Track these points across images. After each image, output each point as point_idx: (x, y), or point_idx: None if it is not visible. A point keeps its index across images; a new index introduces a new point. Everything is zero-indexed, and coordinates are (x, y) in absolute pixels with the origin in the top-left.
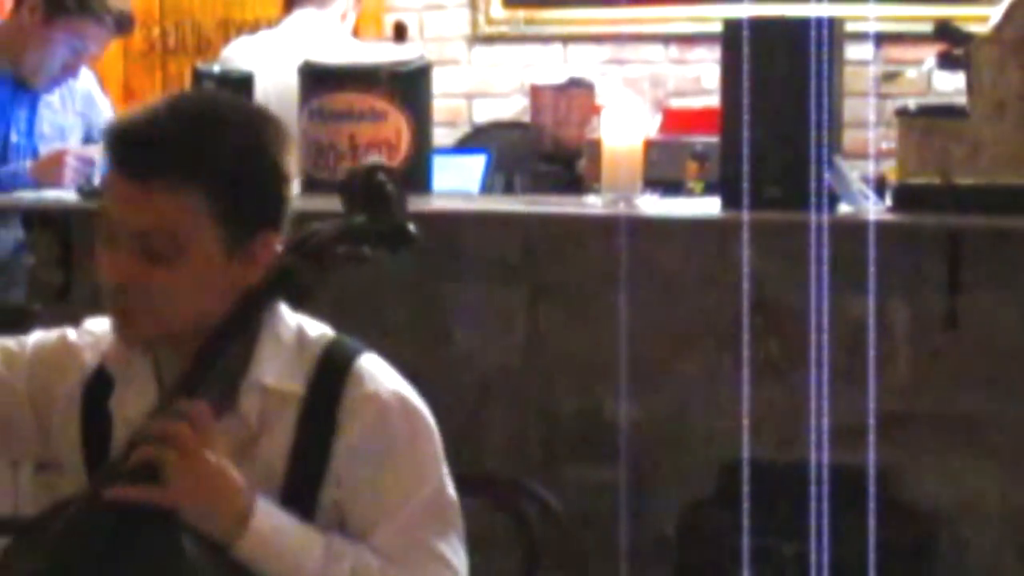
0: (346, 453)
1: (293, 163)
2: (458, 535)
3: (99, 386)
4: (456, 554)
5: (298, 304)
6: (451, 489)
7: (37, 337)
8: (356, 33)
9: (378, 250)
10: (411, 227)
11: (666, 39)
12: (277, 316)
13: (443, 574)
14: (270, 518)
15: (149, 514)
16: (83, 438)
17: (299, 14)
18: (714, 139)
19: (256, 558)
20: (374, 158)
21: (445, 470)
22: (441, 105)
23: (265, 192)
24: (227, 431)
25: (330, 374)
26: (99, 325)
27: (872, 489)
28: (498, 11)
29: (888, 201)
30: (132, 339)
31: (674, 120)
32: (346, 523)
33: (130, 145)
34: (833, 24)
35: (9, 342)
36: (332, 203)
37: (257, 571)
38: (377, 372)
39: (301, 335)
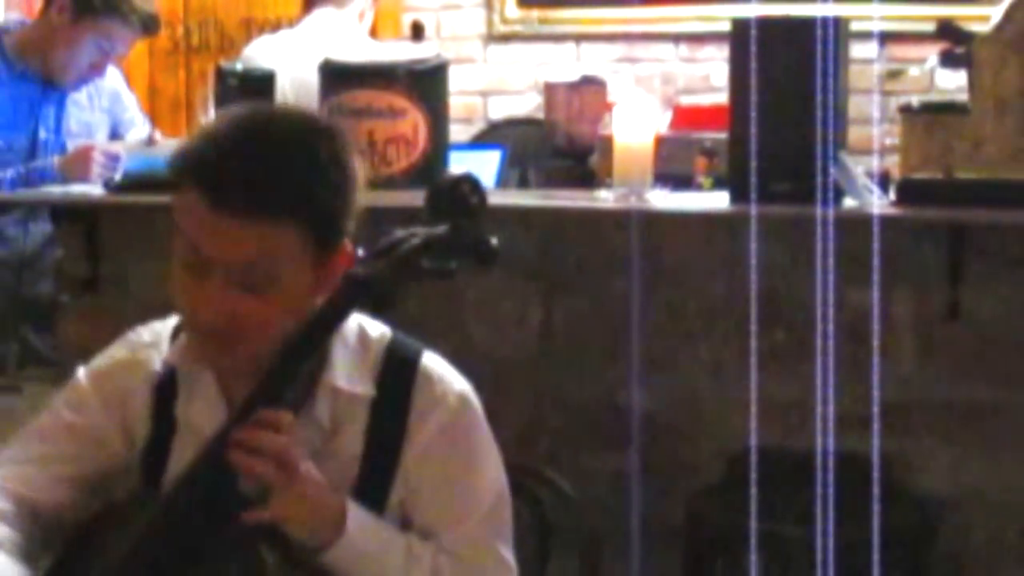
0: (416, 455)
1: (361, 167)
2: (511, 536)
3: (166, 388)
4: (512, 556)
5: (378, 312)
6: (508, 490)
7: (87, 373)
8: (375, 32)
9: (464, 264)
10: (495, 242)
11: (676, 38)
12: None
13: (504, 572)
14: (361, 523)
15: (228, 526)
16: (145, 444)
17: (318, 13)
18: (723, 135)
19: (346, 562)
20: (458, 170)
21: (504, 471)
22: (457, 102)
23: (351, 208)
24: (303, 433)
25: (398, 376)
26: (150, 333)
27: (876, 476)
28: (513, 11)
29: (892, 195)
30: (223, 367)
31: (684, 117)
32: (412, 522)
33: (228, 181)
34: (838, 23)
35: (68, 391)
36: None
37: (345, 572)
38: (444, 373)
39: (363, 335)
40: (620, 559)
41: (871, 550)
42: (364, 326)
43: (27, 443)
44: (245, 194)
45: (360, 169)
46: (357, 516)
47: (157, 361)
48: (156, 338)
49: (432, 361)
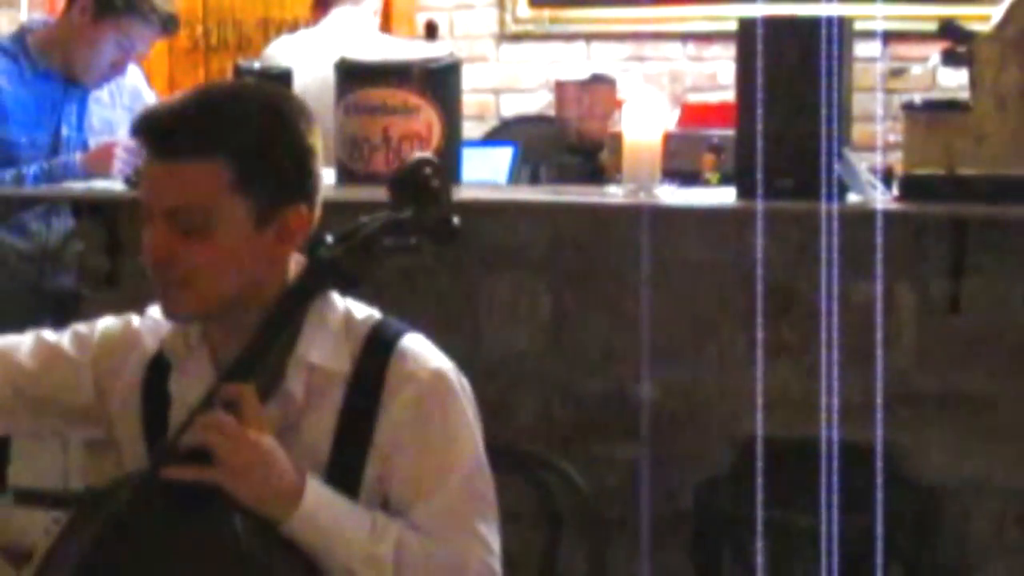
0: (389, 430)
1: (319, 141)
2: (493, 514)
3: (159, 369)
4: (491, 533)
5: (346, 292)
6: (487, 468)
7: (105, 323)
8: (390, 31)
9: (424, 242)
10: (456, 220)
11: (684, 37)
12: (324, 299)
13: (480, 553)
14: (319, 497)
15: (202, 495)
16: (143, 419)
17: (336, 13)
18: (730, 132)
19: (305, 536)
20: (421, 153)
21: (482, 448)
22: (470, 100)
23: (287, 164)
24: (275, 408)
25: (375, 354)
26: (160, 312)
27: (879, 465)
28: (524, 10)
29: (895, 191)
30: (178, 317)
31: (691, 114)
32: (388, 498)
33: (157, 128)
34: (842, 23)
35: (80, 327)
36: (367, 193)
37: (306, 548)
38: (420, 351)
39: (348, 317)
40: (629, 546)
41: (874, 536)
42: (351, 310)
43: (21, 339)
44: (169, 137)
45: (319, 144)
46: (317, 492)
47: (151, 340)
48: (163, 319)
49: (411, 341)
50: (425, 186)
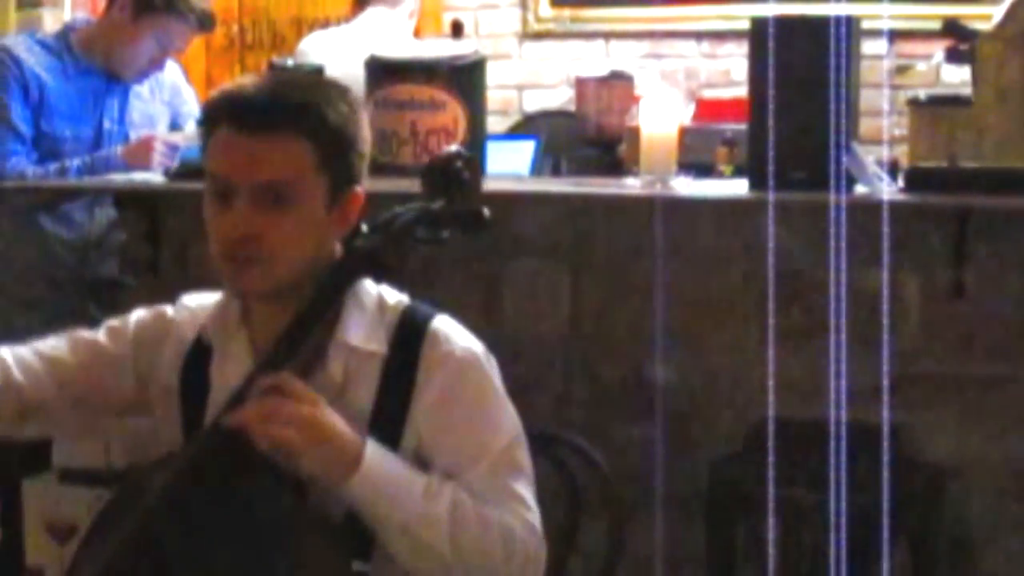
0: (425, 408)
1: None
2: (531, 478)
3: (197, 356)
4: (531, 495)
5: (380, 280)
6: (523, 436)
7: (138, 315)
8: (417, 31)
9: (455, 233)
10: (485, 212)
11: (698, 35)
12: (360, 286)
13: (524, 513)
14: (378, 459)
15: (245, 472)
16: (182, 404)
17: (371, 12)
18: (742, 126)
19: (365, 496)
20: (453, 146)
21: (517, 418)
22: (495, 95)
23: (356, 147)
24: (315, 389)
25: (409, 335)
26: (195, 300)
27: (885, 444)
28: (546, 10)
29: (900, 183)
30: (251, 293)
31: (706, 109)
32: (428, 470)
33: (248, 104)
34: (850, 22)
35: (113, 322)
36: (394, 185)
37: (364, 509)
38: (451, 332)
39: (381, 302)
40: (647, 522)
41: (880, 514)
42: (383, 294)
43: (56, 345)
44: (264, 115)
45: (368, 128)
46: (375, 454)
47: (189, 329)
48: (199, 306)
49: (442, 323)
50: (457, 178)
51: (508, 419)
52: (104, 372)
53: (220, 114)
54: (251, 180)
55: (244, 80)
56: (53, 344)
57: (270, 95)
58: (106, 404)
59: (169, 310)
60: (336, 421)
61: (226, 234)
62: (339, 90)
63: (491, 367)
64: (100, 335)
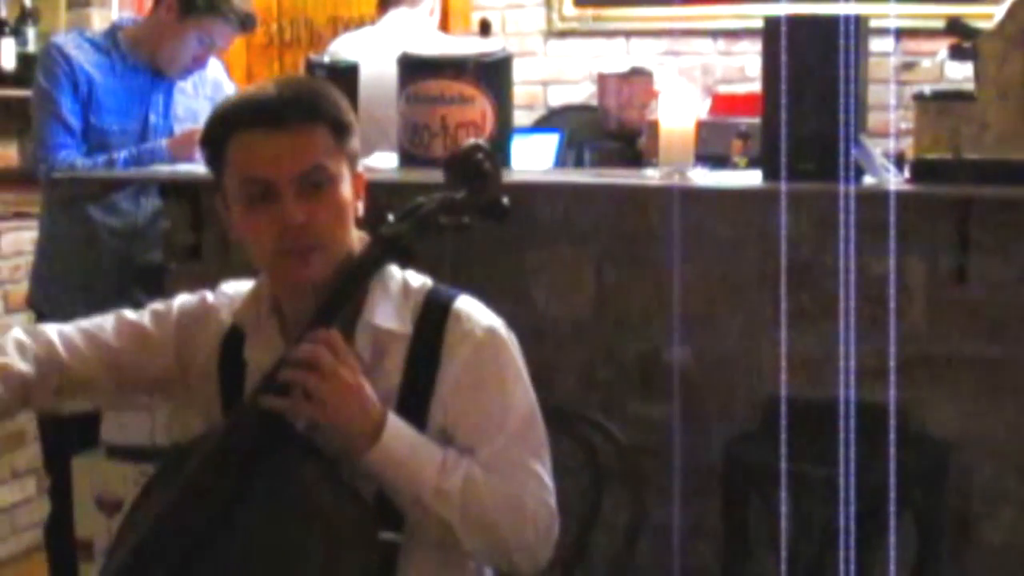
0: (449, 385)
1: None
2: (547, 455)
3: (234, 340)
4: (546, 472)
5: (405, 265)
6: (539, 414)
7: (181, 300)
8: (447, 28)
9: (476, 220)
10: (505, 201)
11: (714, 34)
12: (385, 270)
13: (537, 490)
14: (398, 431)
15: (275, 448)
16: (220, 385)
17: (394, 13)
18: (756, 120)
19: (383, 467)
20: (474, 139)
21: (534, 396)
22: (520, 91)
23: (357, 133)
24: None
25: (433, 316)
26: (232, 287)
27: (892, 422)
28: (570, 10)
29: (906, 173)
30: (314, 279)
31: (721, 104)
32: (452, 445)
33: (269, 107)
34: (859, 21)
35: (158, 305)
36: (426, 175)
37: (381, 480)
38: (473, 311)
39: (406, 285)
40: (665, 496)
41: (887, 488)
42: (407, 278)
43: (101, 325)
44: (291, 110)
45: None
46: (395, 426)
47: (226, 313)
48: (234, 294)
49: (464, 303)
50: (478, 169)
51: (525, 397)
52: (147, 354)
53: (244, 120)
54: (294, 172)
55: (257, 87)
56: (99, 324)
57: (289, 93)
58: (147, 384)
59: (210, 296)
60: (367, 389)
61: (281, 229)
62: (334, 86)
63: (512, 344)
64: (145, 318)
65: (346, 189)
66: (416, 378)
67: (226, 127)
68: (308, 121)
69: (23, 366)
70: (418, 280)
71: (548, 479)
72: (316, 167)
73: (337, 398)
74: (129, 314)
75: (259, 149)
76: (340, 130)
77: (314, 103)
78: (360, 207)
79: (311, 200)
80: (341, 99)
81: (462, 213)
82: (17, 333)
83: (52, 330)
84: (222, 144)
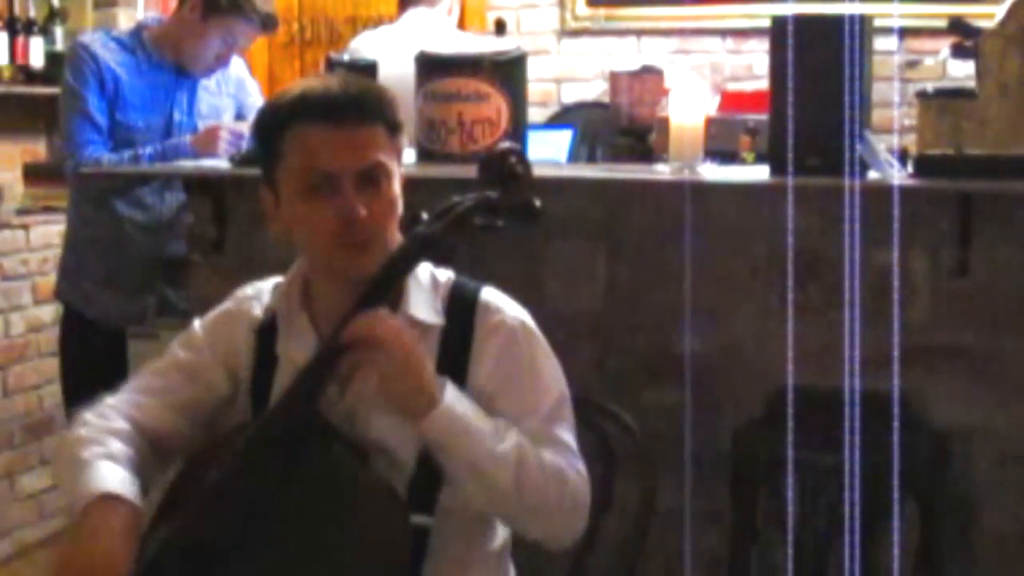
0: (483, 372)
1: None
2: (575, 432)
3: (265, 333)
4: (577, 446)
5: (440, 264)
6: (568, 392)
7: (198, 321)
8: (463, 28)
9: (509, 222)
10: (537, 202)
11: (723, 33)
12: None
13: (574, 460)
14: (454, 398)
15: (318, 435)
16: (253, 378)
17: (413, 12)
18: (764, 117)
19: (440, 432)
20: (507, 143)
21: (564, 380)
22: (535, 88)
23: (404, 133)
24: None
25: (462, 307)
26: (251, 287)
27: (896, 411)
28: (583, 9)
29: (909, 168)
30: (366, 272)
31: (730, 101)
32: None
33: (344, 103)
34: (863, 20)
35: (179, 337)
36: (443, 171)
37: (438, 445)
38: (500, 302)
39: (434, 278)
40: (675, 482)
41: (891, 475)
42: (434, 272)
43: (145, 377)
44: (356, 109)
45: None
46: (452, 393)
47: (258, 309)
48: (257, 292)
49: (490, 295)
50: (511, 172)
51: (557, 377)
52: (199, 380)
53: (310, 114)
54: (356, 167)
55: (317, 82)
56: (144, 380)
57: (353, 91)
58: (217, 405)
59: (228, 304)
60: (425, 356)
61: (344, 222)
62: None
63: (537, 331)
64: (177, 353)
65: (397, 186)
66: (449, 367)
67: (286, 118)
68: (369, 120)
69: (124, 426)
70: (443, 273)
71: (577, 450)
72: (375, 163)
73: (399, 360)
74: (158, 362)
75: (322, 143)
76: (394, 129)
77: (375, 103)
78: (401, 204)
79: (369, 195)
80: (395, 100)
81: (496, 214)
82: (88, 416)
83: (110, 401)
84: (280, 134)
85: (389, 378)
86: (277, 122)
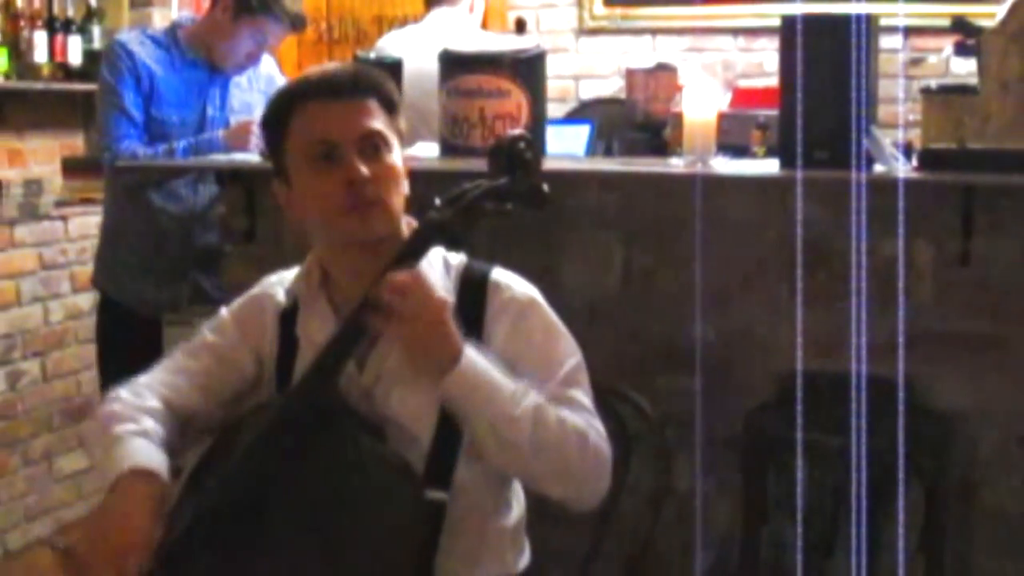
0: (496, 346)
1: None
2: (592, 396)
3: (288, 316)
4: (594, 407)
5: (451, 248)
6: (584, 364)
7: (226, 307)
8: (485, 26)
9: (518, 207)
10: (546, 188)
11: (735, 31)
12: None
13: (593, 421)
14: (475, 359)
15: (337, 414)
16: (276, 359)
17: (436, 12)
18: (774, 112)
19: (461, 391)
20: (516, 130)
21: (578, 349)
22: (553, 85)
23: (402, 116)
24: None
25: (473, 287)
26: (276, 275)
27: (901, 395)
28: (600, 9)
29: (914, 162)
30: (377, 233)
31: (741, 97)
32: None
33: (339, 80)
34: (869, 19)
35: (209, 323)
36: (465, 163)
37: (459, 403)
38: (509, 280)
39: (446, 261)
40: (689, 464)
41: (896, 457)
42: (446, 256)
43: (176, 358)
44: (351, 85)
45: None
46: (473, 354)
47: (282, 294)
48: (281, 279)
49: (500, 274)
50: (520, 158)
51: (570, 345)
52: (227, 362)
53: (310, 91)
54: (356, 133)
55: (312, 69)
56: (173, 360)
57: (346, 70)
58: (244, 388)
59: (255, 290)
60: (449, 315)
61: (347, 185)
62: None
63: (547, 306)
64: (207, 336)
65: (398, 158)
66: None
67: (290, 100)
68: (364, 93)
69: (156, 404)
70: (455, 257)
71: (594, 409)
72: (374, 131)
73: (425, 320)
74: (189, 343)
75: (324, 115)
76: (389, 106)
77: (368, 79)
78: (406, 186)
79: (371, 161)
80: (388, 81)
81: (505, 199)
82: (123, 393)
83: (143, 380)
84: (286, 117)
85: (416, 333)
86: (280, 109)
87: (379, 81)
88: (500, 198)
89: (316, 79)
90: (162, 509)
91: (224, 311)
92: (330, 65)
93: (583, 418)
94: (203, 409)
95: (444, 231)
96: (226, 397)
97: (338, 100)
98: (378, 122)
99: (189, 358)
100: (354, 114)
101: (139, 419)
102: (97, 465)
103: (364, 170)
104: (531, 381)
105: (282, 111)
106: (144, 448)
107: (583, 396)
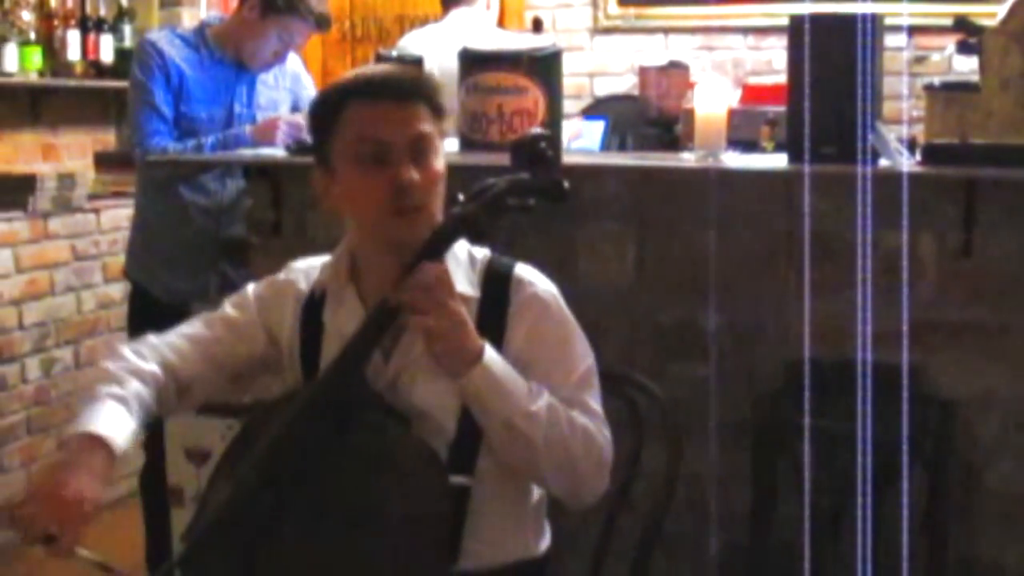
0: (517, 343)
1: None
2: (601, 399)
3: (313, 306)
4: (602, 412)
5: (475, 242)
6: (595, 362)
7: (253, 285)
8: (502, 26)
9: (540, 202)
10: (565, 184)
11: (745, 30)
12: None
13: (600, 424)
14: (493, 358)
15: (363, 402)
16: (301, 348)
17: (456, 12)
18: (782, 109)
19: (479, 389)
20: (536, 128)
21: (590, 348)
22: (569, 82)
23: (446, 120)
24: None
25: (497, 282)
26: (302, 262)
27: (905, 382)
28: (614, 8)
29: (918, 157)
30: (416, 238)
31: (751, 94)
32: None
33: (391, 82)
34: (875, 18)
35: (233, 297)
36: (484, 158)
37: (477, 401)
38: (533, 277)
39: (471, 255)
40: (700, 449)
41: (901, 442)
42: (471, 250)
43: (193, 324)
44: (402, 87)
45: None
46: (491, 354)
47: (304, 283)
48: (308, 266)
49: (523, 270)
50: (541, 154)
51: (585, 348)
52: (239, 338)
53: (366, 90)
54: (407, 137)
55: (369, 68)
56: (188, 326)
57: (400, 75)
58: (250, 366)
59: (280, 275)
60: (467, 317)
61: (396, 188)
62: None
63: (565, 306)
64: (227, 309)
65: (442, 163)
66: (485, 337)
67: (343, 97)
68: (416, 97)
69: (153, 368)
70: (480, 251)
71: (603, 414)
72: (423, 134)
73: (447, 318)
74: (212, 313)
75: (376, 115)
76: (438, 111)
77: (421, 84)
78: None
79: (419, 163)
80: (438, 86)
81: (527, 195)
82: (126, 351)
83: (152, 340)
84: (337, 111)
85: (438, 334)
86: (334, 101)
87: (431, 86)
88: (522, 193)
89: (370, 80)
90: (106, 475)
91: (249, 288)
92: (382, 68)
93: (591, 421)
94: (205, 377)
95: (469, 225)
96: (230, 369)
97: (391, 102)
98: (428, 125)
99: (204, 326)
100: (407, 117)
101: (125, 382)
102: (71, 418)
103: (414, 175)
104: (546, 380)
105: (335, 104)
106: (109, 414)
107: (593, 400)
